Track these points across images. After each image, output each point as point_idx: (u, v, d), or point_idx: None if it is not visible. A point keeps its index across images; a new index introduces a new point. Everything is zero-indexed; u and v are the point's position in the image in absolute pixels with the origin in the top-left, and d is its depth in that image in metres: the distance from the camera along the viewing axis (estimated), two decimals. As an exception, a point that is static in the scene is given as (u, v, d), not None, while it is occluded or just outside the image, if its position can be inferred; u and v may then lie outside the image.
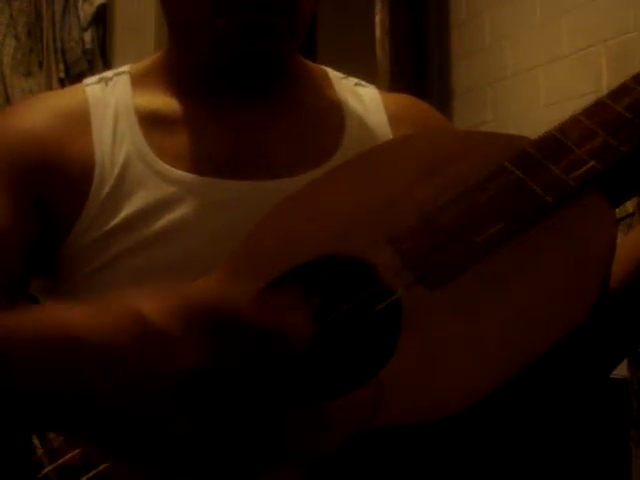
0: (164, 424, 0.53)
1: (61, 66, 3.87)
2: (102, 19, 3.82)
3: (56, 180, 0.88)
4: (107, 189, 0.88)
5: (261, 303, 0.55)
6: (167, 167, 0.89)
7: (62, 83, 3.93)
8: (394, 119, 1.00)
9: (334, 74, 1.03)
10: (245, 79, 0.94)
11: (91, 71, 3.68)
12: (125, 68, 0.97)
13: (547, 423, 0.71)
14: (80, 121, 0.91)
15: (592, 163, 0.72)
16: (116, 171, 0.89)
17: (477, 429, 0.64)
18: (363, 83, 1.03)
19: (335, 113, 0.98)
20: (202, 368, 0.52)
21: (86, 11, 3.82)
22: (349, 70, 1.05)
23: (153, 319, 0.53)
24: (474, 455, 0.66)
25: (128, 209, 0.88)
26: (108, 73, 0.97)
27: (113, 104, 0.93)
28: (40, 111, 0.92)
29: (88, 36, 3.82)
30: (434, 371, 0.64)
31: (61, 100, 0.94)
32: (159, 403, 0.52)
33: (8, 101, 3.86)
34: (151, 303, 0.54)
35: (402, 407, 0.62)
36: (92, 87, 0.95)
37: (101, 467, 0.62)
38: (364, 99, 1.01)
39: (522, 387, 0.64)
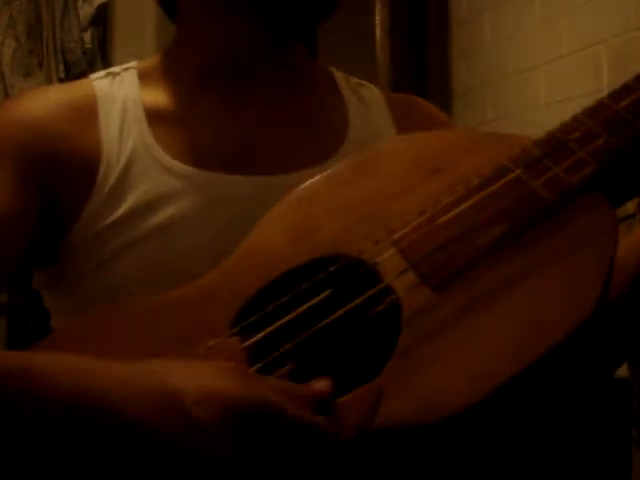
0: None
1: (61, 66, 3.87)
2: (102, 19, 3.82)
3: (62, 172, 0.88)
4: (112, 181, 0.88)
5: (299, 401, 0.59)
6: (173, 161, 0.90)
7: (62, 83, 3.92)
8: (398, 118, 1.00)
9: (337, 74, 1.03)
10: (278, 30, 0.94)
11: (91, 71, 3.67)
12: (132, 64, 0.98)
13: (548, 423, 0.71)
14: (87, 114, 0.92)
15: (594, 164, 0.72)
16: (122, 164, 0.89)
17: (477, 430, 0.64)
18: (365, 83, 1.04)
19: (339, 111, 0.98)
20: (238, 460, 0.56)
21: (86, 11, 3.82)
22: (349, 70, 1.05)
23: (196, 412, 0.56)
24: (474, 456, 0.66)
25: (132, 201, 0.88)
26: (115, 68, 0.97)
27: (121, 98, 0.93)
28: (47, 103, 0.92)
29: (88, 36, 3.82)
30: (434, 372, 0.64)
31: (68, 93, 0.94)
32: None
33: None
34: (189, 388, 0.57)
35: (402, 408, 0.62)
36: (100, 81, 0.95)
37: None
38: (367, 99, 1.01)
39: (523, 388, 0.64)
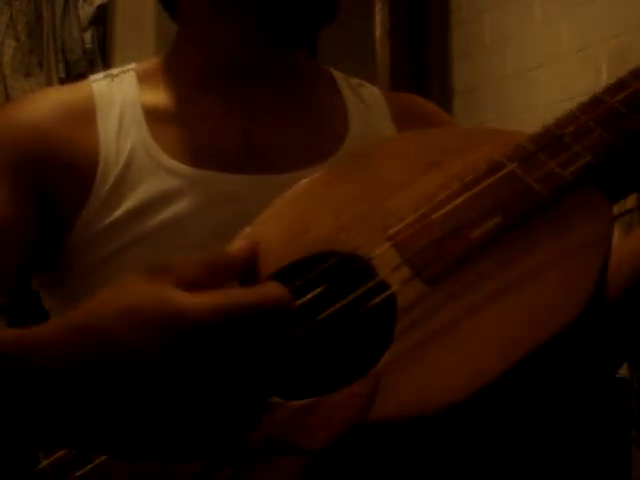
0: (154, 396, 0.55)
1: (61, 66, 3.87)
2: (102, 19, 3.82)
3: (60, 173, 0.88)
4: (111, 182, 0.88)
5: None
6: (172, 161, 0.90)
7: (62, 83, 3.93)
8: (398, 117, 1.00)
9: (337, 74, 1.03)
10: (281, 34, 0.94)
11: (91, 71, 3.68)
12: (131, 66, 0.98)
13: (548, 423, 0.71)
14: (86, 115, 0.92)
15: (588, 158, 0.72)
16: (120, 164, 0.89)
17: (474, 425, 0.64)
18: (365, 83, 1.04)
19: (339, 111, 0.98)
20: (159, 374, 0.55)
21: (86, 11, 3.82)
22: (349, 70, 1.05)
23: (109, 327, 0.57)
24: (472, 452, 0.66)
25: (132, 202, 0.88)
26: (114, 70, 0.97)
27: (119, 99, 0.93)
28: (45, 104, 0.92)
29: (88, 36, 3.82)
30: (429, 366, 0.64)
31: (67, 95, 0.94)
32: (150, 372, 0.55)
33: (8, 101, 3.86)
34: (110, 309, 0.59)
35: (397, 402, 0.62)
36: (98, 83, 0.95)
37: (96, 462, 0.63)
38: (367, 98, 1.01)
39: (521, 384, 0.64)
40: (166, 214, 0.88)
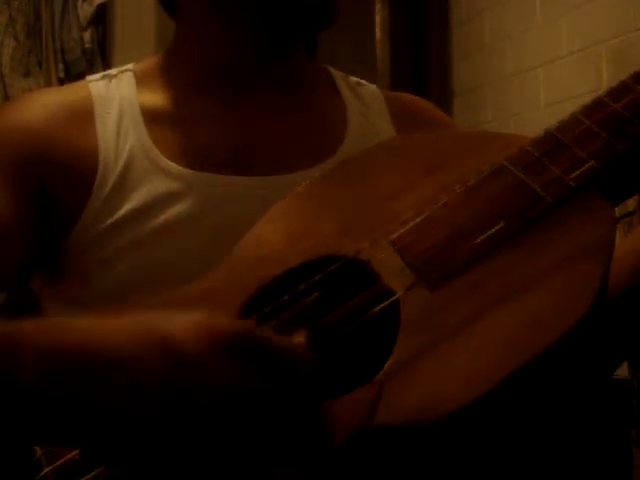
0: (189, 434, 0.57)
1: (60, 66, 3.87)
2: (102, 19, 3.81)
3: (59, 175, 0.88)
4: (110, 184, 0.88)
5: (271, 333, 0.62)
6: (170, 163, 0.89)
7: (62, 83, 3.92)
8: (397, 117, 1.00)
9: (336, 73, 1.03)
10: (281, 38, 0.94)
11: (91, 71, 3.67)
12: (129, 66, 0.98)
13: (548, 423, 0.71)
14: (84, 116, 0.91)
15: (591, 162, 0.72)
16: (120, 166, 0.89)
17: (476, 429, 0.64)
18: (365, 82, 1.03)
19: (338, 111, 0.98)
20: (227, 385, 0.57)
21: (85, 11, 3.81)
22: (349, 70, 1.05)
23: (181, 341, 0.58)
24: (473, 455, 0.66)
25: (131, 204, 0.88)
26: (112, 71, 0.97)
27: (117, 100, 0.93)
28: (43, 106, 0.92)
29: (88, 36, 3.81)
30: (432, 371, 0.64)
31: (64, 96, 0.94)
32: (184, 417, 0.57)
33: (8, 101, 3.86)
34: (177, 325, 0.59)
35: (401, 408, 0.62)
36: (96, 83, 0.95)
37: (100, 469, 0.62)
38: (366, 98, 1.01)
39: (523, 387, 0.64)
40: (165, 216, 0.88)
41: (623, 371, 2.04)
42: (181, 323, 0.59)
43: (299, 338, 0.64)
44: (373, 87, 1.03)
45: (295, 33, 0.94)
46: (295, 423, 0.60)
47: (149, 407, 0.56)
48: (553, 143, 0.74)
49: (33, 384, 0.57)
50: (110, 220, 0.87)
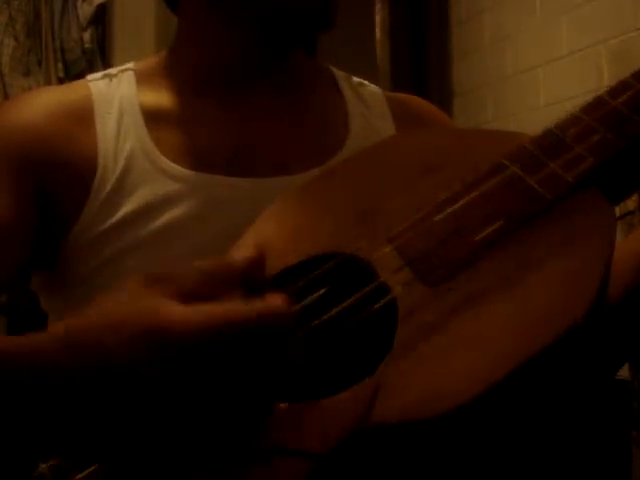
0: (149, 407, 0.55)
1: (60, 65, 3.87)
2: (101, 19, 3.81)
3: (58, 175, 0.88)
4: (110, 185, 0.88)
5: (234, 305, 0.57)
6: (171, 164, 0.89)
7: (61, 83, 3.92)
8: (399, 118, 1.00)
9: (338, 73, 1.03)
10: (280, 39, 0.94)
11: (90, 71, 3.67)
12: (129, 65, 0.97)
13: (548, 423, 0.71)
14: (84, 116, 0.91)
15: (591, 160, 0.72)
16: (119, 167, 0.89)
17: (475, 428, 0.64)
18: (366, 83, 1.03)
19: (339, 111, 0.98)
20: (158, 375, 0.55)
21: (85, 11, 3.81)
22: (349, 70, 1.05)
23: (100, 342, 0.57)
24: (472, 454, 0.66)
25: (131, 205, 0.87)
26: (112, 70, 0.97)
27: (118, 100, 0.92)
28: (43, 104, 0.91)
29: (87, 36, 3.81)
30: (430, 369, 0.64)
31: (64, 95, 0.94)
32: (141, 384, 0.55)
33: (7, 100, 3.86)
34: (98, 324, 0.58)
35: (398, 405, 0.62)
36: (96, 83, 0.94)
37: (95, 465, 0.62)
38: (367, 98, 1.00)
39: (522, 386, 0.64)
40: (165, 218, 0.87)
41: (624, 372, 2.04)
42: (103, 320, 0.58)
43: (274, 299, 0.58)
44: (375, 88, 1.03)
45: (295, 35, 0.94)
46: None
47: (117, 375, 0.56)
48: (552, 140, 0.74)
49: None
50: (110, 221, 0.87)
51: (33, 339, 0.59)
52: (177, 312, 0.56)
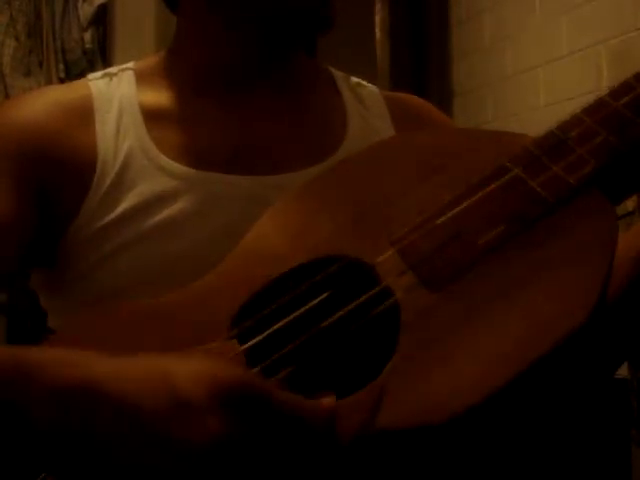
0: None
1: (61, 66, 3.86)
2: (102, 19, 3.81)
3: (58, 172, 0.88)
4: (109, 182, 0.88)
5: (282, 390, 0.61)
6: (169, 161, 0.90)
7: (62, 83, 3.92)
8: (397, 118, 1.00)
9: (336, 73, 1.03)
10: (280, 38, 0.94)
11: (91, 71, 3.66)
12: (129, 64, 0.98)
13: (548, 423, 0.71)
14: (83, 114, 0.91)
15: (593, 163, 0.71)
16: (118, 164, 0.89)
17: (477, 431, 0.64)
18: (364, 83, 1.03)
19: (338, 111, 0.98)
20: (225, 439, 0.57)
21: (86, 11, 3.81)
22: (349, 70, 1.05)
23: (185, 389, 0.58)
24: (474, 456, 0.66)
25: (129, 202, 0.88)
26: (112, 69, 0.97)
27: (117, 99, 0.93)
28: (43, 103, 0.92)
29: (88, 36, 3.81)
30: (433, 375, 0.63)
31: (65, 94, 0.94)
32: (179, 467, 0.57)
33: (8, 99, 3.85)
34: (183, 373, 0.59)
35: (402, 411, 0.62)
36: (96, 82, 0.95)
37: None
38: (366, 98, 1.01)
39: (524, 388, 0.64)
40: (164, 215, 0.88)
41: (623, 371, 2.04)
42: (185, 368, 0.60)
43: (328, 400, 0.62)
44: (373, 88, 1.03)
45: (294, 35, 0.94)
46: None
47: (149, 447, 0.57)
48: (554, 142, 0.74)
49: (45, 419, 0.58)
50: (108, 218, 0.87)
51: (94, 360, 0.61)
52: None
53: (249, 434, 0.58)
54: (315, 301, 0.68)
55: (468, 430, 0.62)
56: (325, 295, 0.69)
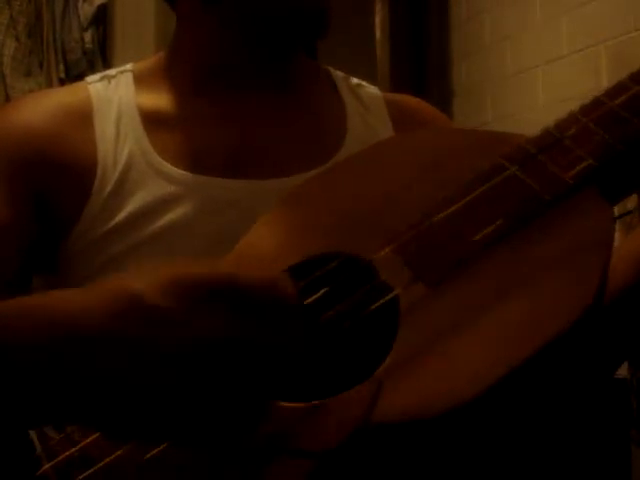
0: (166, 395, 0.55)
1: (61, 66, 3.87)
2: (102, 19, 3.82)
3: (57, 177, 0.88)
4: (109, 188, 0.88)
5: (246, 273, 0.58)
6: (169, 166, 0.90)
7: (62, 83, 3.92)
8: (397, 120, 1.00)
9: (336, 74, 1.03)
10: (280, 42, 0.94)
11: (91, 71, 3.67)
12: (128, 66, 0.97)
13: (548, 423, 0.71)
14: (83, 118, 0.91)
15: (589, 161, 0.72)
16: (118, 170, 0.89)
17: (476, 427, 0.64)
18: (364, 84, 1.03)
19: (338, 113, 0.98)
20: (205, 336, 0.55)
21: (86, 11, 3.81)
22: (349, 70, 1.05)
23: (150, 298, 0.56)
24: (473, 454, 0.66)
25: (130, 208, 0.88)
26: (111, 71, 0.97)
27: (116, 102, 0.93)
28: (42, 107, 0.92)
29: (88, 36, 3.82)
30: (431, 369, 0.64)
31: (63, 97, 0.94)
32: (162, 378, 0.55)
33: (8, 101, 3.85)
34: (144, 283, 0.57)
35: (400, 405, 0.62)
36: (95, 85, 0.95)
37: (99, 465, 0.63)
38: (366, 99, 1.00)
39: (522, 385, 0.64)
40: (164, 220, 0.88)
41: (623, 370, 2.05)
42: (147, 280, 0.57)
43: (283, 279, 0.60)
44: (373, 89, 1.03)
45: (289, 40, 0.94)
46: (287, 369, 0.58)
47: (130, 370, 0.55)
48: (550, 141, 0.74)
49: (29, 356, 0.56)
50: (109, 224, 0.87)
51: (69, 294, 0.59)
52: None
53: (235, 326, 0.56)
54: (314, 297, 0.68)
55: (465, 425, 0.63)
56: (324, 291, 0.69)
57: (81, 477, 0.63)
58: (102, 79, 0.95)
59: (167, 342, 0.55)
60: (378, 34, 3.50)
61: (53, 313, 0.57)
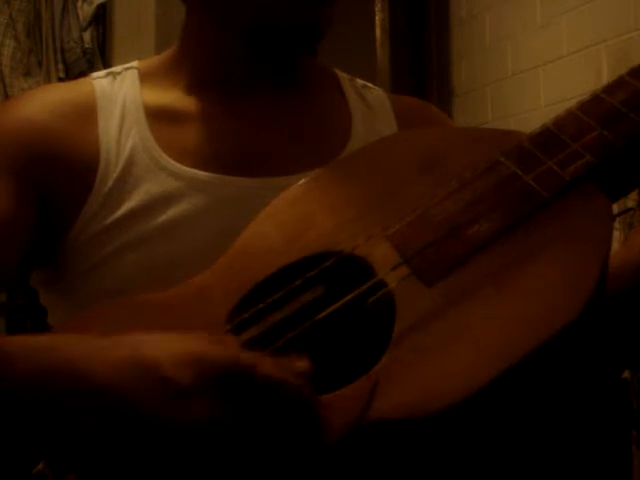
0: (172, 466, 0.57)
1: (60, 66, 3.87)
2: (102, 19, 3.82)
3: (60, 171, 0.88)
4: (111, 182, 0.88)
5: (267, 361, 0.61)
6: (172, 162, 0.89)
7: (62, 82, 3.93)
8: (402, 121, 1.00)
9: (342, 75, 1.03)
10: (278, 53, 0.94)
11: (91, 71, 3.67)
12: (134, 64, 0.98)
13: (548, 423, 0.71)
14: (86, 113, 0.91)
15: (587, 157, 0.72)
16: (121, 164, 0.89)
17: (474, 426, 0.64)
18: (370, 85, 1.03)
19: (342, 113, 0.98)
20: (214, 419, 0.57)
21: (85, 11, 3.81)
22: (349, 70, 1.05)
23: (167, 370, 0.58)
24: (472, 452, 0.66)
25: (132, 202, 0.88)
26: (116, 68, 0.97)
27: (121, 98, 0.93)
28: (46, 102, 0.92)
29: (87, 36, 3.82)
30: (428, 365, 0.64)
31: (68, 92, 0.94)
32: (170, 449, 0.57)
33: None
34: (162, 353, 0.59)
35: (395, 403, 0.62)
36: (100, 80, 0.95)
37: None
38: (371, 101, 1.01)
39: (519, 385, 0.64)
40: (166, 216, 0.87)
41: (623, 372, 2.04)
42: (168, 352, 0.59)
43: (302, 363, 0.63)
44: (379, 90, 1.03)
45: (283, 48, 0.94)
46: (293, 457, 0.60)
47: (133, 434, 0.57)
48: (549, 138, 0.74)
49: (22, 404, 0.58)
50: (110, 219, 0.87)
51: (75, 348, 0.61)
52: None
53: (238, 412, 0.58)
54: (311, 294, 0.68)
55: (463, 424, 0.62)
56: (321, 288, 0.69)
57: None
58: (107, 75, 0.96)
59: (182, 416, 0.57)
60: (378, 34, 3.50)
61: (69, 372, 0.59)
